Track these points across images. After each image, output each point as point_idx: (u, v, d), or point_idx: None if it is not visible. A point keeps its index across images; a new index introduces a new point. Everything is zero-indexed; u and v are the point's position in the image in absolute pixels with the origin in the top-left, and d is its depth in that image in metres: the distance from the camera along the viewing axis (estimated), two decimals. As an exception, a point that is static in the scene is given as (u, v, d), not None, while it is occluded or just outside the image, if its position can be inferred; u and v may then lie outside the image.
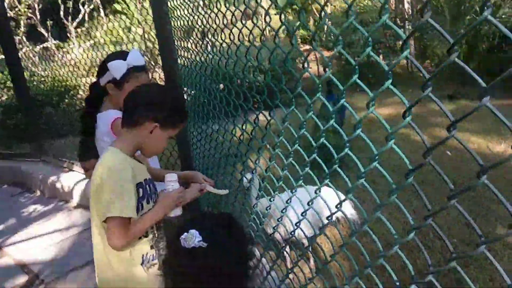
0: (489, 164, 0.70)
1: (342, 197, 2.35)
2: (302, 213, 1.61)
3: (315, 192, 1.44)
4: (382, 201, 0.96)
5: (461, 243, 3.02)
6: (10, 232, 3.89)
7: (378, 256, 1.05)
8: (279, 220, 1.75)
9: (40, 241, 3.66)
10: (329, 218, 1.35)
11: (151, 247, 1.62)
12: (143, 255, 1.58)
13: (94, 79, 2.11)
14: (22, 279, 3.14)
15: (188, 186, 1.79)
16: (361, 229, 1.10)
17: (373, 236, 1.11)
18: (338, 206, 1.23)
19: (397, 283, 1.03)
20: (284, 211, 1.73)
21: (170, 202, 1.61)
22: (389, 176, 0.95)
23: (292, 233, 1.69)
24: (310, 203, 1.50)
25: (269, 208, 1.82)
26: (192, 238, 0.92)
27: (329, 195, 1.62)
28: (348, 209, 2.88)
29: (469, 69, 0.69)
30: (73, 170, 4.56)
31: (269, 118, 1.62)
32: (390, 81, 0.88)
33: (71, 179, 4.36)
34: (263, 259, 1.98)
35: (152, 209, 1.58)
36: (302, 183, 1.50)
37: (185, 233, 0.94)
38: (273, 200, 1.80)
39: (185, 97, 2.88)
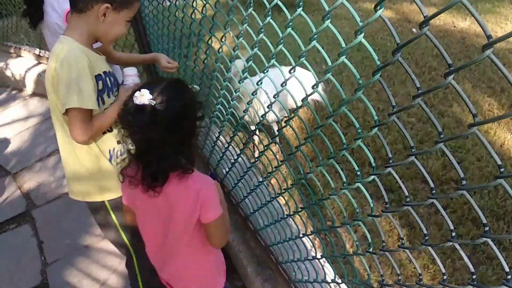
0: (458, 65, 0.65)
1: (311, 77, 2.27)
2: (275, 95, 1.57)
3: (290, 72, 1.35)
4: (348, 97, 0.94)
5: (422, 139, 3.14)
6: (-35, 124, 3.74)
7: (341, 149, 1.06)
8: (249, 103, 1.71)
9: (0, 132, 3.56)
10: (304, 100, 1.27)
11: (118, 142, 1.59)
12: (109, 150, 1.55)
13: None
14: (-13, 171, 3.12)
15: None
16: (327, 123, 1.09)
17: (337, 128, 1.11)
18: (315, 87, 1.18)
19: (358, 172, 1.07)
20: (255, 93, 1.69)
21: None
22: (356, 72, 0.91)
23: (264, 116, 1.66)
24: (284, 84, 1.42)
25: (238, 91, 1.77)
26: (143, 96, 1.03)
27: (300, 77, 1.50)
28: (314, 95, 2.89)
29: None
30: (21, 56, 4.23)
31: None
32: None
33: (21, 66, 4.07)
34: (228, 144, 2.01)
35: (113, 103, 1.51)
36: (275, 62, 1.39)
37: (138, 92, 1.05)
38: (242, 82, 1.73)
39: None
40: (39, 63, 4.02)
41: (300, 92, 1.38)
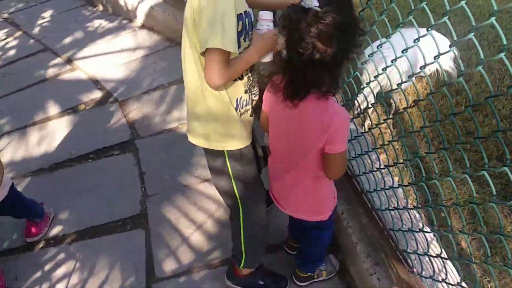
0: None
1: (446, 44, 2.07)
2: (393, 60, 1.46)
3: (414, 41, 1.28)
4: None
5: None
6: (78, 45, 3.87)
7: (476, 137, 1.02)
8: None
9: (109, 59, 3.63)
10: (422, 68, 1.28)
11: (245, 92, 1.48)
12: (237, 98, 1.45)
13: None
14: (97, 94, 3.21)
15: None
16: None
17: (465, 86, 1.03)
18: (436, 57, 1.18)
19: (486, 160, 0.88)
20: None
21: (265, 44, 1.40)
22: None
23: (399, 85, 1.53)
24: (404, 51, 1.38)
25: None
26: (310, 2, 1.06)
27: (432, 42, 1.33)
28: (447, 61, 2.59)
29: None
30: (136, -14, 4.24)
31: None
32: None
33: (135, -3, 4.09)
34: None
35: (248, 49, 1.38)
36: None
37: None
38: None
39: None
40: (153, -5, 4.01)
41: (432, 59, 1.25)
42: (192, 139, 1.55)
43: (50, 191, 2.41)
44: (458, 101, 2.81)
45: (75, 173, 2.53)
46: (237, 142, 1.50)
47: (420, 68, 1.30)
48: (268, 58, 1.48)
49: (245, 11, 1.35)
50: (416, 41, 1.27)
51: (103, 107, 3.07)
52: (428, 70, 2.65)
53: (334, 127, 1.22)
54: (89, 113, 3.04)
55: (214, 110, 1.43)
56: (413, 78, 1.41)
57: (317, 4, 1.07)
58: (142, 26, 4.07)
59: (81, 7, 4.61)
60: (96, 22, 4.23)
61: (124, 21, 4.20)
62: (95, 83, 3.35)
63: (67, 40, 3.98)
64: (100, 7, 4.53)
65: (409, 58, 1.40)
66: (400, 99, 2.78)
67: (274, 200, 1.59)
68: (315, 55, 1.11)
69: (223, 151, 1.51)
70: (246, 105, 1.49)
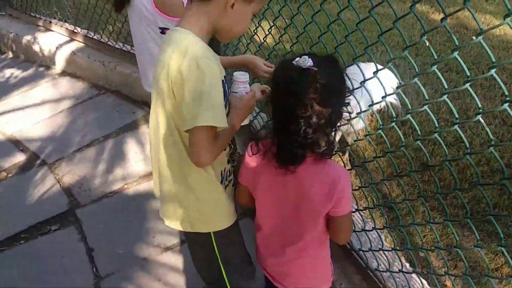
0: None
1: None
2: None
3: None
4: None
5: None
6: (-12, 99, 3.39)
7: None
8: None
9: (29, 113, 3.22)
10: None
11: (228, 162, 1.32)
12: (221, 171, 1.29)
13: None
14: (19, 157, 2.79)
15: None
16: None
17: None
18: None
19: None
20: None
21: (246, 109, 1.29)
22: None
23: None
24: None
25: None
26: (305, 62, 1.01)
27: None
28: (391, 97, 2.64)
29: None
30: (51, 30, 3.86)
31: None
32: None
33: (51, 41, 3.71)
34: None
35: (229, 117, 1.23)
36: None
37: (298, 58, 1.04)
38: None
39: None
40: (72, 39, 3.66)
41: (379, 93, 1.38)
42: (170, 224, 1.33)
43: (-25, 288, 1.99)
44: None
45: (6, 260, 2.12)
46: (225, 220, 1.33)
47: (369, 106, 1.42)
48: (246, 121, 1.36)
49: (225, 76, 1.19)
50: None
51: (29, 172, 2.66)
52: (378, 105, 2.68)
53: (340, 187, 1.13)
54: (13, 181, 2.61)
55: (197, 189, 1.25)
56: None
57: (312, 64, 1.01)
58: (63, 73, 3.70)
59: (-14, 54, 4.10)
60: (7, 72, 3.77)
61: (41, 68, 3.80)
62: (16, 144, 2.92)
63: (-27, 95, 3.48)
64: (10, 54, 4.06)
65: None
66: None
67: (271, 279, 1.40)
68: (312, 118, 1.03)
69: (209, 233, 1.32)
70: (229, 176, 1.35)
